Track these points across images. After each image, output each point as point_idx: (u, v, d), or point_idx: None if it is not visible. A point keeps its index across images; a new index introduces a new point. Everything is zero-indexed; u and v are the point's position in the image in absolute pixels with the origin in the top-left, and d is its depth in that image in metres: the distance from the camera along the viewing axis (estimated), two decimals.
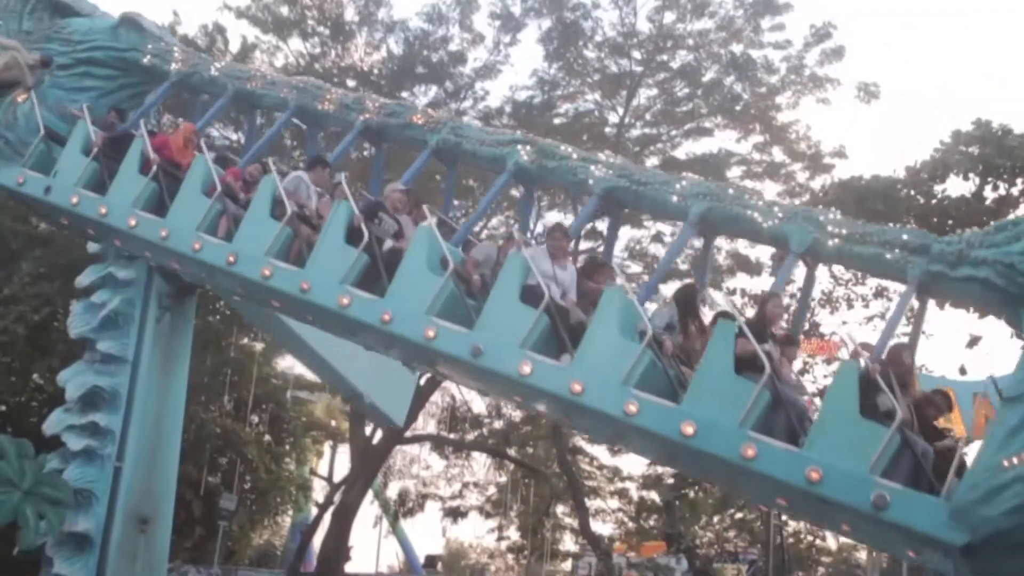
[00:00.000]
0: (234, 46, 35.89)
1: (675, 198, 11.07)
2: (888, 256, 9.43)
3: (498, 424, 45.51)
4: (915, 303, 10.74)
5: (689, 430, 8.62)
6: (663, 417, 8.82)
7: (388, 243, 11.39)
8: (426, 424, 45.24)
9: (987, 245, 8.70)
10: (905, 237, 9.42)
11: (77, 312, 15.76)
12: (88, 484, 14.63)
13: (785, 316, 9.52)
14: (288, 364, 49.46)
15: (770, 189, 37.77)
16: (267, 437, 39.02)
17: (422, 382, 39.73)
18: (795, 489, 8.36)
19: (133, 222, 12.61)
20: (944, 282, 9.14)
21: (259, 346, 42.94)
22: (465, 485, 49.03)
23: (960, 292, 9.03)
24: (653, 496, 44.06)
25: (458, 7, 35.56)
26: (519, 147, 11.66)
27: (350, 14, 35.87)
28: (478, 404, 45.08)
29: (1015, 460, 7.27)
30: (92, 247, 16.13)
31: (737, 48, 35.39)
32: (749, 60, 34.67)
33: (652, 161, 37.94)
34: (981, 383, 28.49)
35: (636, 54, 35.74)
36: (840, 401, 8.52)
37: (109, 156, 13.52)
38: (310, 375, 50.26)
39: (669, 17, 35.66)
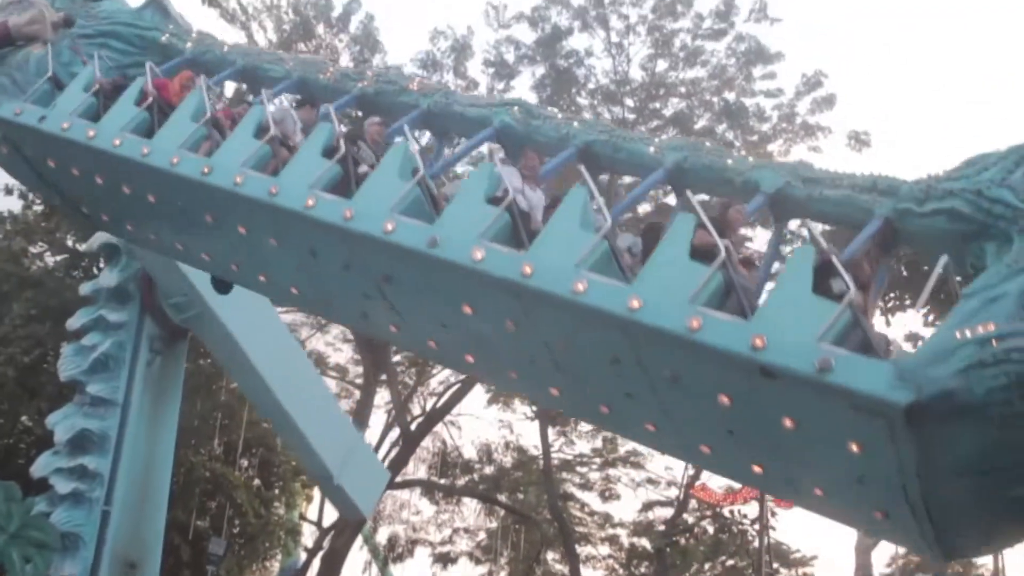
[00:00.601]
0: (227, 90, 35.95)
1: (652, 149, 11.01)
2: (858, 197, 9.20)
3: (489, 469, 45.34)
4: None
5: (635, 303, 8.29)
6: (611, 294, 8.54)
7: (364, 168, 11.33)
8: (416, 469, 45.07)
9: (955, 178, 8.46)
10: (876, 181, 9.24)
11: (68, 355, 15.75)
12: (75, 528, 14.57)
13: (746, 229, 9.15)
14: None
15: (762, 236, 37.91)
16: (257, 481, 38.72)
17: (413, 427, 39.77)
18: (739, 363, 7.91)
19: (118, 142, 12.38)
20: (911, 219, 8.75)
21: None
22: (455, 531, 48.76)
23: (926, 229, 8.60)
24: (644, 543, 43.87)
25: (452, 54, 35.76)
26: (508, 108, 11.66)
27: (345, 60, 36.02)
28: (469, 450, 44.97)
29: (967, 333, 7.05)
30: (84, 289, 16.13)
31: (729, 96, 35.56)
32: (741, 108, 34.84)
33: (644, 207, 38.04)
34: None
35: (629, 101, 35.93)
36: (792, 280, 8.27)
37: (109, 98, 13.28)
38: None
39: (662, 65, 35.95)
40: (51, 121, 12.97)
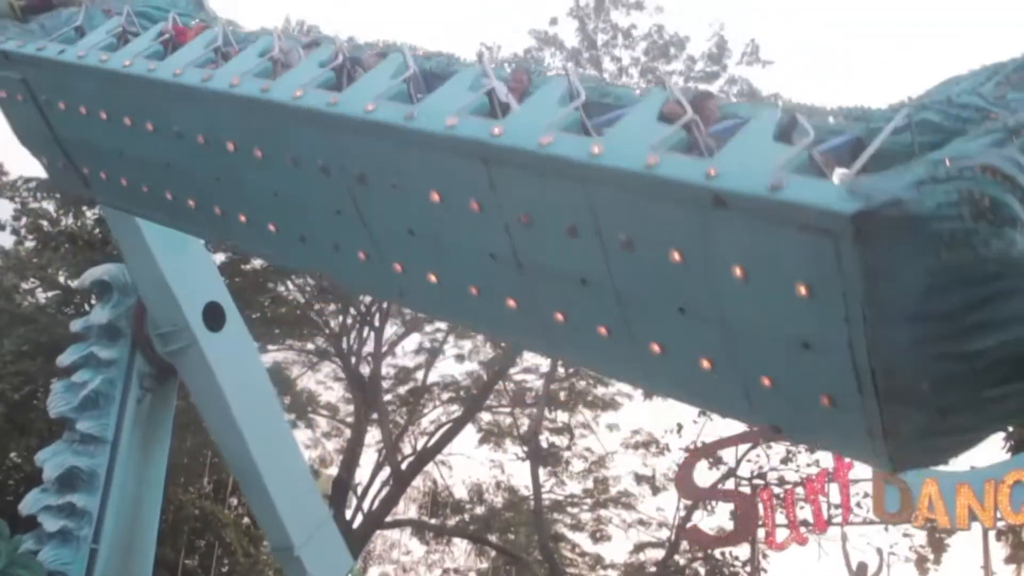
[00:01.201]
0: None
1: (637, 92, 10.96)
2: (831, 124, 9.02)
3: (479, 510, 45.15)
4: None
5: (596, 149, 8.25)
6: (574, 145, 8.51)
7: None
8: (407, 509, 44.90)
9: (925, 96, 8.32)
10: (850, 111, 9.08)
11: (58, 391, 15.71)
12: (63, 566, 14.49)
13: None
14: None
15: None
16: (246, 520, 38.56)
17: (404, 466, 39.64)
18: (693, 196, 7.70)
19: (128, 62, 12.57)
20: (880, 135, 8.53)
21: None
22: (446, 571, 48.45)
23: (896, 145, 8.31)
24: None
25: None
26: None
27: None
28: (459, 490, 44.81)
29: (919, 162, 6.94)
30: (75, 326, 16.12)
31: None
32: None
33: None
34: (964, 473, 28.54)
35: None
36: (754, 129, 8.13)
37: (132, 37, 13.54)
38: None
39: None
40: (69, 53, 13.23)
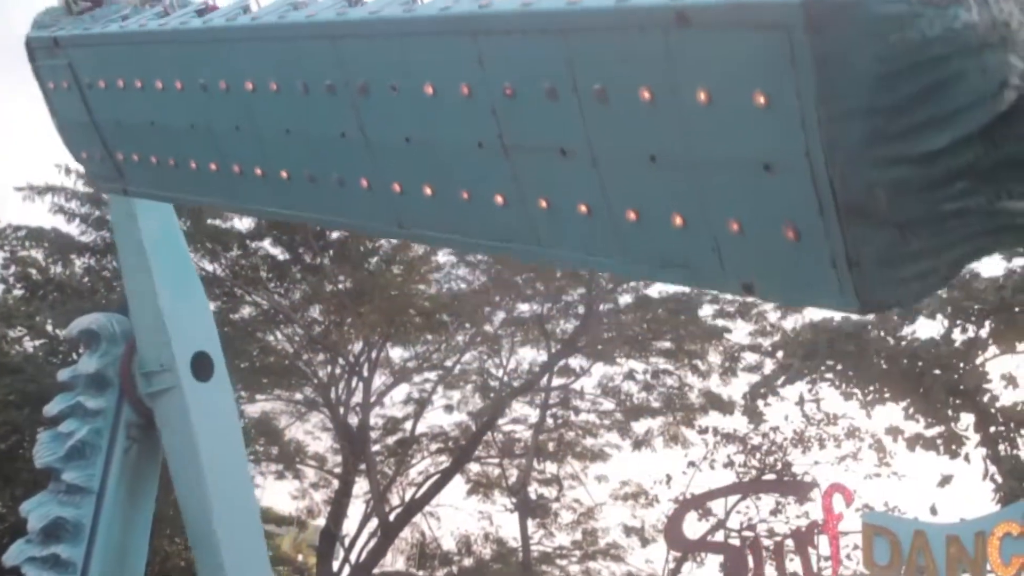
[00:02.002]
0: None
1: None
2: None
3: (468, 562, 44.89)
4: None
5: None
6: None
7: None
8: (395, 560, 44.62)
9: None
10: None
11: (43, 441, 15.60)
12: None
13: None
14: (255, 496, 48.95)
15: (742, 328, 38.14)
16: None
17: (391, 517, 39.45)
18: (657, 20, 7.84)
19: (163, 22, 13.10)
20: None
21: None
22: None
23: None
24: None
25: None
26: None
27: None
28: (448, 541, 44.59)
29: None
30: (62, 375, 16.05)
31: None
32: None
33: (625, 299, 38.29)
34: (954, 525, 28.54)
35: None
36: None
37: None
38: (277, 508, 49.58)
39: None
40: (112, 27, 13.19)
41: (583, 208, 9.86)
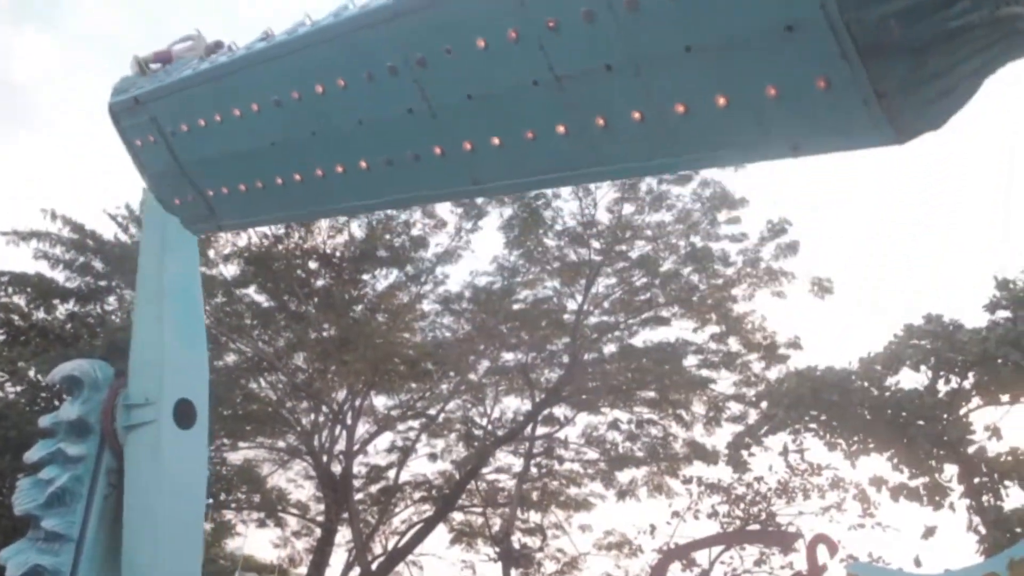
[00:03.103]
0: None
1: None
2: None
3: None
4: None
5: None
6: None
7: None
8: None
9: None
10: None
11: (23, 488, 15.50)
12: None
13: None
14: (236, 545, 48.67)
15: (726, 378, 38.19)
16: None
17: (374, 566, 39.19)
18: None
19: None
20: None
21: (208, 526, 42.13)
22: None
23: None
24: None
25: None
26: None
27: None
28: None
29: None
30: (43, 421, 16.00)
31: (695, 240, 36.14)
32: (706, 252, 35.40)
33: (610, 348, 38.33)
34: (937, 575, 28.53)
35: (595, 243, 36.41)
36: None
37: None
38: (259, 556, 49.21)
39: (628, 209, 36.52)
40: (187, 71, 14.01)
41: (636, 115, 10.49)
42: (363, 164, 13.94)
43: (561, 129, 11.62)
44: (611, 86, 10.22)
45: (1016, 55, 8.21)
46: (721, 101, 9.61)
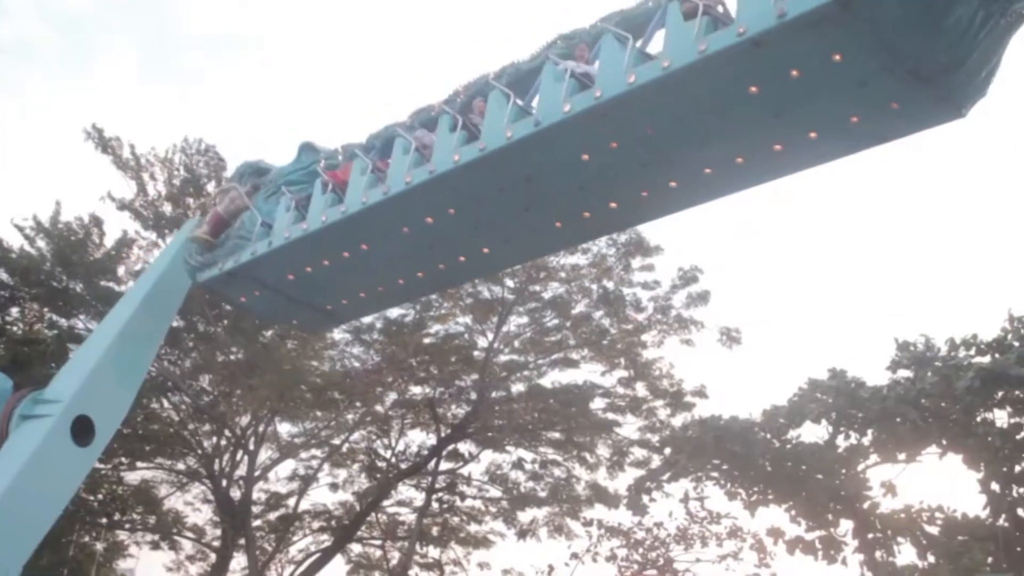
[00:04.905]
0: (113, 239, 35.87)
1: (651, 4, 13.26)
2: None
3: None
4: None
5: (666, 64, 11.49)
6: (649, 70, 11.67)
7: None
8: None
9: None
10: None
11: None
12: None
13: None
14: (128, 566, 47.72)
15: (632, 423, 38.47)
16: None
17: None
18: (739, 51, 10.85)
19: (324, 217, 15.69)
20: None
21: (100, 546, 41.41)
22: None
23: None
24: None
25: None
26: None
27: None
28: None
29: None
30: None
31: (608, 284, 36.41)
32: (619, 297, 35.71)
33: (518, 387, 38.42)
34: None
35: (509, 282, 36.52)
36: None
37: (306, 207, 16.45)
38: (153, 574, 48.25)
39: None
40: (276, 239, 16.47)
41: (739, 160, 12.91)
42: (485, 251, 16.09)
43: (673, 184, 13.57)
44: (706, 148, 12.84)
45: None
46: (812, 135, 12.12)
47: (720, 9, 11.60)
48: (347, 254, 16.45)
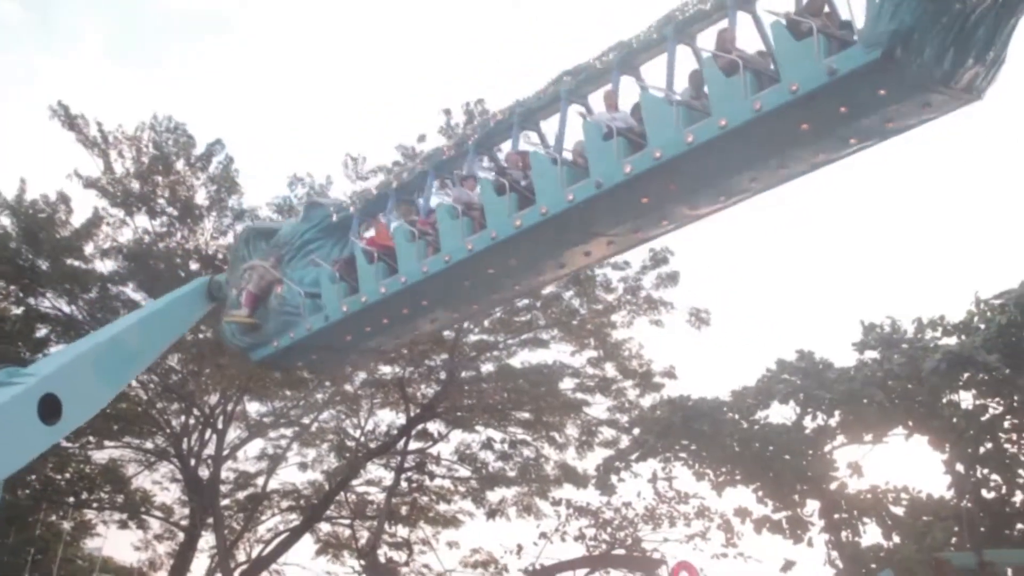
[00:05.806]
0: (80, 217, 35.56)
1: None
2: None
3: None
4: None
5: (723, 123, 12.16)
6: (707, 128, 12.37)
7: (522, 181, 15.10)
8: None
9: None
10: None
11: None
12: None
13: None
14: (96, 545, 47.54)
15: (601, 403, 38.56)
16: None
17: (236, 573, 38.64)
18: (794, 108, 11.60)
19: (383, 289, 16.30)
20: None
21: (67, 525, 41.23)
22: None
23: None
24: None
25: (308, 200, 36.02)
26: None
27: (201, 197, 35.99)
28: None
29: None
30: None
31: None
32: (588, 277, 35.70)
33: (488, 367, 38.43)
34: None
35: None
36: (779, 39, 11.90)
37: (348, 271, 17.10)
38: (118, 558, 48.14)
39: None
40: (332, 312, 17.06)
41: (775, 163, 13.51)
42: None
43: (723, 198, 14.30)
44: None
45: None
46: (852, 141, 12.88)
47: (757, 56, 12.53)
48: (406, 311, 17.19)
